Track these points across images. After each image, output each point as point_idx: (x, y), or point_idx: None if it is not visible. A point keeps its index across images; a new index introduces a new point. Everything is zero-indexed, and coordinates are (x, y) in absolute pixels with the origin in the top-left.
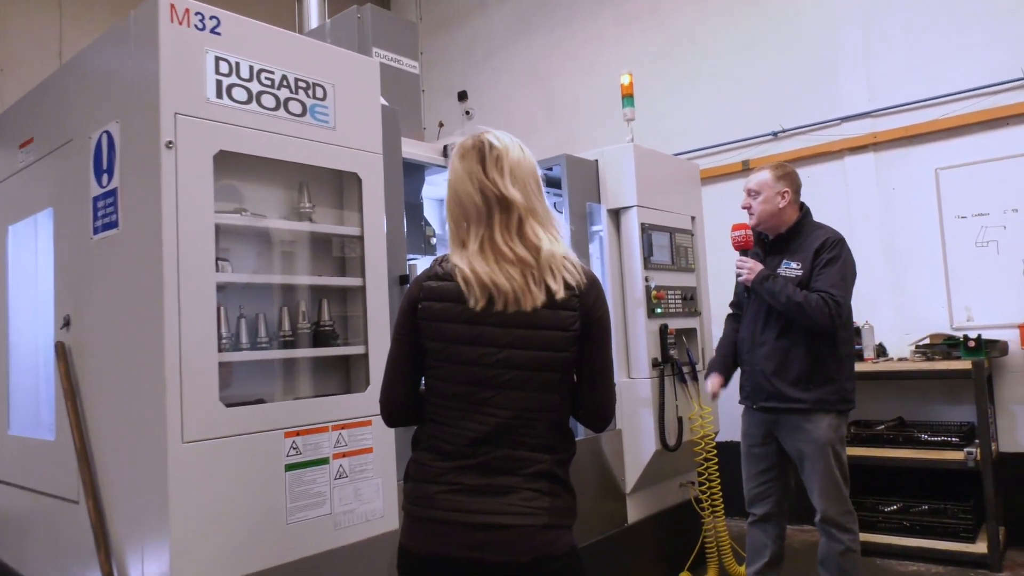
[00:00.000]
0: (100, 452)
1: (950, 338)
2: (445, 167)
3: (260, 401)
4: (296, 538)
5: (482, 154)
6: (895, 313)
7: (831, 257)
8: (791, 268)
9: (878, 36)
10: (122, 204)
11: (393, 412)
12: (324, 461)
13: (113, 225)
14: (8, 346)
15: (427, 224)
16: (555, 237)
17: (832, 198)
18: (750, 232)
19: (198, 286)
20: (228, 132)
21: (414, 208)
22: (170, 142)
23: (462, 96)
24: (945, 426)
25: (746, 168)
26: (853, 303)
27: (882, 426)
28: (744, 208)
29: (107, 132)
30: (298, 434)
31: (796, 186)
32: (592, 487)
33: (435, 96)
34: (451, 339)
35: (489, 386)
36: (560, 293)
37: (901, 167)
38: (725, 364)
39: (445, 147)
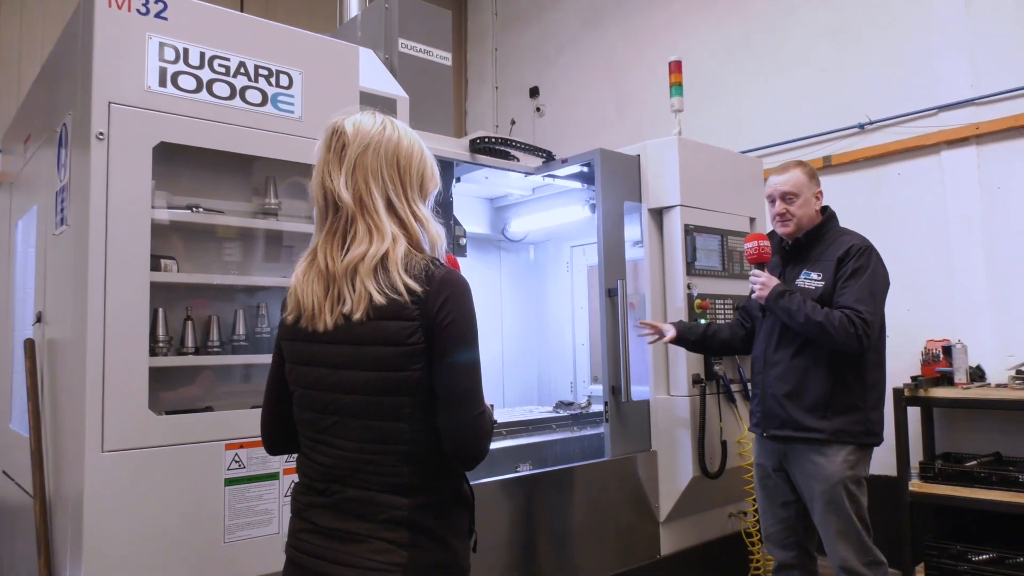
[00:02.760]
0: (54, 454)
1: None
2: (474, 164)
3: (208, 409)
4: (235, 558)
5: (329, 143)
6: (996, 332)
7: (857, 267)
8: (811, 279)
9: (983, 10)
10: (70, 199)
11: (263, 437)
12: (273, 476)
13: (65, 221)
14: (13, 341)
15: (457, 224)
16: (382, 236)
17: (926, 198)
18: (767, 243)
19: (128, 286)
20: (171, 122)
21: (443, 207)
22: (101, 133)
23: (533, 92)
24: None
25: (828, 165)
26: (944, 318)
27: (974, 462)
28: (778, 215)
29: (64, 124)
30: (241, 446)
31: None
32: (621, 513)
33: (507, 93)
34: (295, 358)
35: (329, 413)
36: (358, 312)
37: (1008, 163)
38: (691, 329)
39: (472, 141)
